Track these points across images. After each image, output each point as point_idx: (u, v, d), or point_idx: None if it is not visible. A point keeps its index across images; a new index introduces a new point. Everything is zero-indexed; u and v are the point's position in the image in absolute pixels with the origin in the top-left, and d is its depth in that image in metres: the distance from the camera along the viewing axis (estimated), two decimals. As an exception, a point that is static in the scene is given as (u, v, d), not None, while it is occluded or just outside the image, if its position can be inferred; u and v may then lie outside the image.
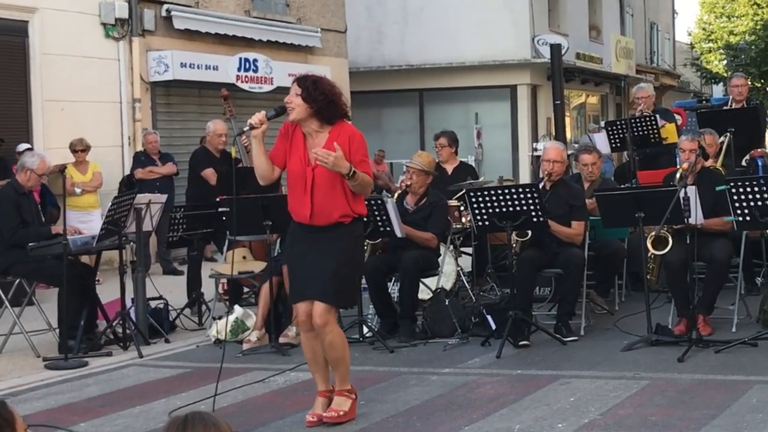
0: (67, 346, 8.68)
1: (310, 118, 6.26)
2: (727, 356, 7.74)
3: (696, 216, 8.09)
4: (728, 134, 10.84)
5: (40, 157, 9.56)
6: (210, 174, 11.84)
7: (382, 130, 27.61)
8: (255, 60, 18.47)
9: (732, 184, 7.96)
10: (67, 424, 6.64)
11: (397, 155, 25.29)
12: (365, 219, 8.64)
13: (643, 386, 7.00)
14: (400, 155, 25.29)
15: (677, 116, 12.70)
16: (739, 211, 7.91)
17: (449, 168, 11.33)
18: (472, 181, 11.06)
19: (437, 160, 11.28)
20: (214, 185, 11.55)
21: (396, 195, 9.56)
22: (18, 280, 9.41)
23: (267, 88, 18.60)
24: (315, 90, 6.22)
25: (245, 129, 6.32)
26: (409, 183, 9.43)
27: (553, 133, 20.60)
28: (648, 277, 8.87)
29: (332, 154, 6.08)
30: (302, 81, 6.29)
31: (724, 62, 46.39)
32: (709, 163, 9.43)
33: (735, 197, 7.90)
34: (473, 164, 22.92)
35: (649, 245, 8.38)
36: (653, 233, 8.35)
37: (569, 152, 10.52)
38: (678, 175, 8.77)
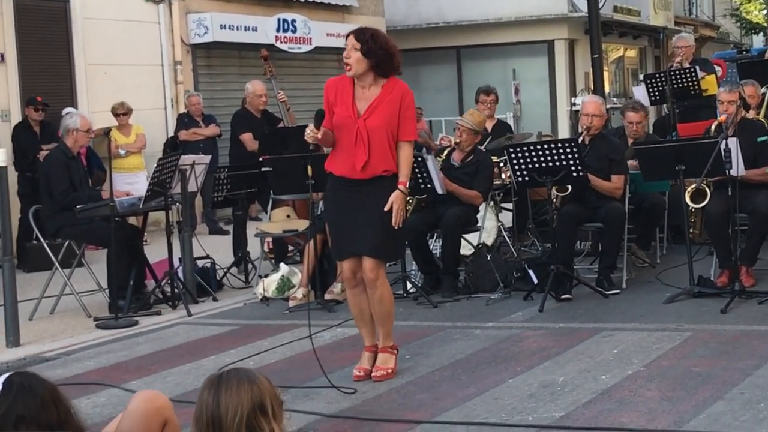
0: (117, 305, 8.83)
1: (367, 72, 6.27)
2: (770, 307, 7.78)
3: (738, 167, 8.07)
4: (770, 85, 10.77)
5: (80, 114, 9.69)
6: (248, 138, 11.81)
7: (420, 88, 27.51)
8: (293, 20, 18.49)
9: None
10: (119, 382, 6.79)
11: (435, 113, 25.25)
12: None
13: (686, 338, 7.06)
14: (439, 113, 25.27)
15: (717, 67, 12.62)
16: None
17: (489, 125, 11.30)
18: (510, 135, 11.07)
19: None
20: (251, 150, 11.57)
21: (445, 152, 9.57)
22: (67, 242, 9.58)
23: (306, 48, 18.66)
24: (374, 44, 6.23)
25: (312, 147, 6.43)
26: (458, 141, 9.45)
27: (592, 88, 20.49)
28: (691, 230, 8.87)
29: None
30: (360, 35, 6.27)
31: (765, 12, 45.75)
32: (751, 114, 9.38)
33: (777, 148, 7.89)
34: (511, 120, 22.89)
35: (687, 199, 8.38)
36: (693, 186, 8.35)
37: (608, 106, 10.48)
38: (713, 127, 8.72)
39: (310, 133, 6.27)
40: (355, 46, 6.23)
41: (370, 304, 6.49)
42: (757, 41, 42.29)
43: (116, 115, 13.85)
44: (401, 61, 6.45)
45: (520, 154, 8.63)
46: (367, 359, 6.57)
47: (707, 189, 8.27)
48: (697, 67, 11.53)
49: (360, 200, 6.31)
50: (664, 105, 12.00)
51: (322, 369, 6.34)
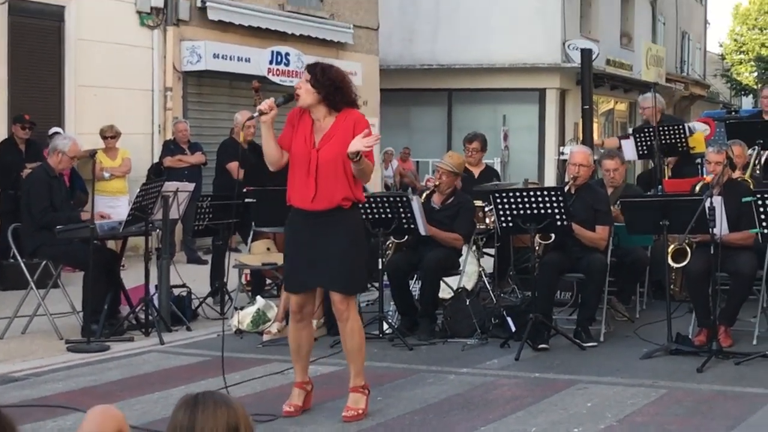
0: (90, 329, 8.74)
1: (317, 104, 6.31)
2: (747, 368, 7.73)
3: (721, 227, 8.06)
4: (757, 146, 10.81)
5: (72, 139, 9.67)
6: (234, 167, 11.87)
7: (410, 129, 27.63)
8: (287, 54, 18.54)
9: (758, 195, 7.95)
10: (87, 407, 6.67)
11: (423, 154, 25.29)
12: (390, 216, 8.77)
13: (661, 395, 7.01)
14: (427, 154, 25.30)
15: (705, 126, 12.67)
16: (765, 224, 7.89)
17: (476, 171, 11.28)
18: (497, 182, 11.05)
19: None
20: (238, 178, 11.56)
21: (424, 195, 9.56)
22: (44, 262, 9.50)
23: (298, 81, 18.64)
24: (323, 76, 6.28)
25: (255, 115, 6.40)
26: (437, 183, 9.44)
27: (580, 138, 20.57)
28: (672, 287, 8.84)
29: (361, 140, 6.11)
30: (312, 67, 6.36)
31: (755, 74, 46.19)
32: (737, 174, 9.39)
33: (761, 209, 7.88)
34: (499, 166, 22.94)
35: (669, 259, 8.35)
36: (675, 244, 8.33)
37: (595, 158, 10.49)
38: (698, 187, 8.73)
39: (267, 101, 6.28)
40: (306, 78, 6.32)
41: (342, 339, 6.48)
42: (746, 102, 42.67)
43: (104, 138, 13.80)
44: (356, 94, 6.46)
45: (505, 200, 8.61)
46: (297, 395, 6.53)
47: (688, 249, 8.25)
48: (687, 126, 11.59)
49: (320, 232, 6.27)
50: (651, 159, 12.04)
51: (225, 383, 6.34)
